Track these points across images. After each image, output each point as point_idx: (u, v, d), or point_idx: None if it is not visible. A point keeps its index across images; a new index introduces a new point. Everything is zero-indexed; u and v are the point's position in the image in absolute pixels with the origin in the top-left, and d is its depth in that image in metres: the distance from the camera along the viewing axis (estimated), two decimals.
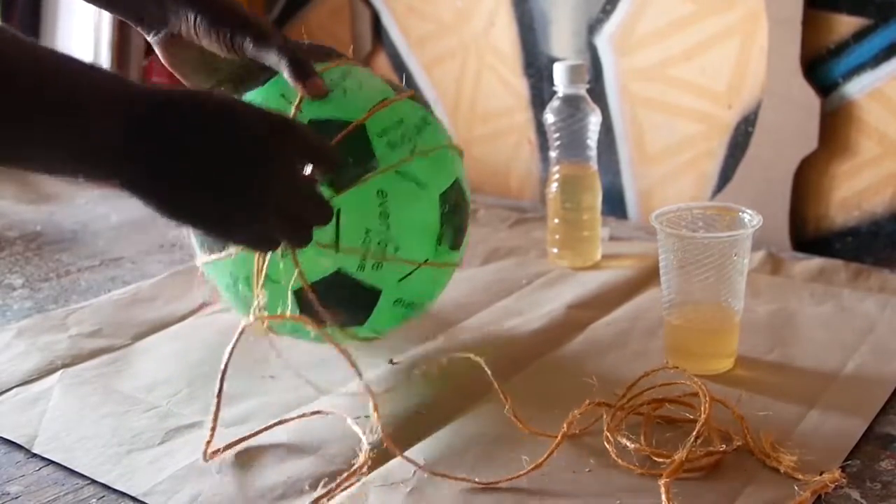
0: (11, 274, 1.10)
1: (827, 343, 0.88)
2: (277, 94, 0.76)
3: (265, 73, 0.77)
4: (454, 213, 0.80)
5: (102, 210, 1.32)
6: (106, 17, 1.44)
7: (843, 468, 0.68)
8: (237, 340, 0.73)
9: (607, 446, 0.71)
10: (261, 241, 0.67)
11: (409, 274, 0.77)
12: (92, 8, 0.99)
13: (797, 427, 0.74)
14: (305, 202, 0.68)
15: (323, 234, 0.73)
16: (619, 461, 0.70)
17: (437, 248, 0.79)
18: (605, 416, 0.74)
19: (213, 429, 0.72)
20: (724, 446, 0.70)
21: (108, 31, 1.44)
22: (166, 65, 0.80)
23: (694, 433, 0.69)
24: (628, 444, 0.71)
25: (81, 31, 1.47)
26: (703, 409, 0.71)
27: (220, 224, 0.64)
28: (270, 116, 0.66)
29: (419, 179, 0.77)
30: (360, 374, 0.72)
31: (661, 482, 0.66)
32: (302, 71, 0.74)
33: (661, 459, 0.69)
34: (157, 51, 0.78)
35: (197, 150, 0.61)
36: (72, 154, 0.57)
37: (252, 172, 0.63)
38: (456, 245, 0.82)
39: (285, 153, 0.65)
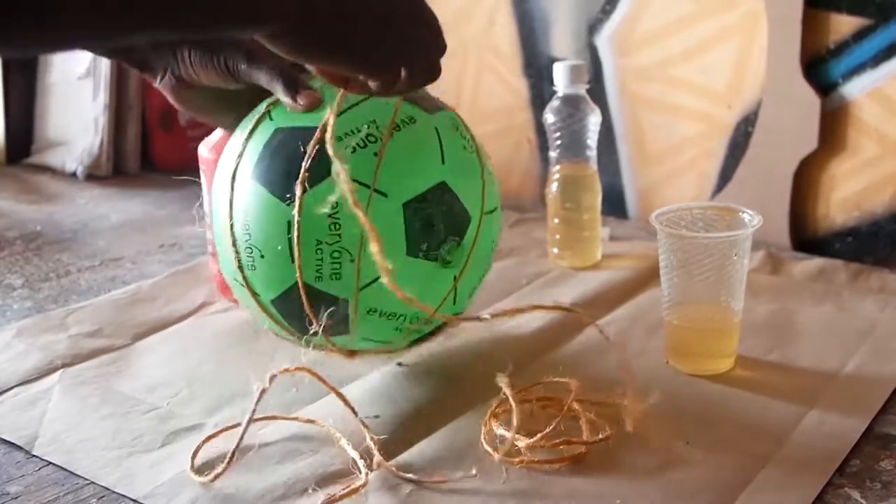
0: (11, 274, 1.10)
1: (827, 343, 0.88)
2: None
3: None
4: (427, 223, 0.75)
5: (102, 210, 1.32)
6: None
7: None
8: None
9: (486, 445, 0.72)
10: (396, 77, 0.67)
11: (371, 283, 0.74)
12: None
13: (797, 427, 0.74)
14: (437, 30, 0.69)
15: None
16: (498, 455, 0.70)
17: (406, 259, 0.74)
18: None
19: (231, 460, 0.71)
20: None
21: None
22: (181, 109, 0.79)
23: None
24: (505, 433, 0.71)
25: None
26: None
27: (378, 60, 0.65)
28: None
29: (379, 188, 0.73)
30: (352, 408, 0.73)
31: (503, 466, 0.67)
32: (293, 85, 0.73)
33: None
34: (169, 97, 0.77)
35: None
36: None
37: (413, 16, 0.65)
38: (433, 256, 0.75)
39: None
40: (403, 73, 0.66)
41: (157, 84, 0.76)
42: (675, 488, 0.67)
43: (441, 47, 0.69)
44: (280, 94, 0.73)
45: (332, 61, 0.65)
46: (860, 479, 0.68)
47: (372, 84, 0.67)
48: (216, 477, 0.69)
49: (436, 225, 0.75)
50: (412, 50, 0.66)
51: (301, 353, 0.76)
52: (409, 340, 0.80)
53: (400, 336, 0.78)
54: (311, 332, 0.74)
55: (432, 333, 0.82)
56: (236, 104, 0.79)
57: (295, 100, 0.73)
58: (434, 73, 0.68)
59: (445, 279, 0.77)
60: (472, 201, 0.78)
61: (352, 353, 0.79)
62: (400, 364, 0.85)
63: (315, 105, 0.73)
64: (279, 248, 0.73)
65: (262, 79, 0.73)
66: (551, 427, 0.70)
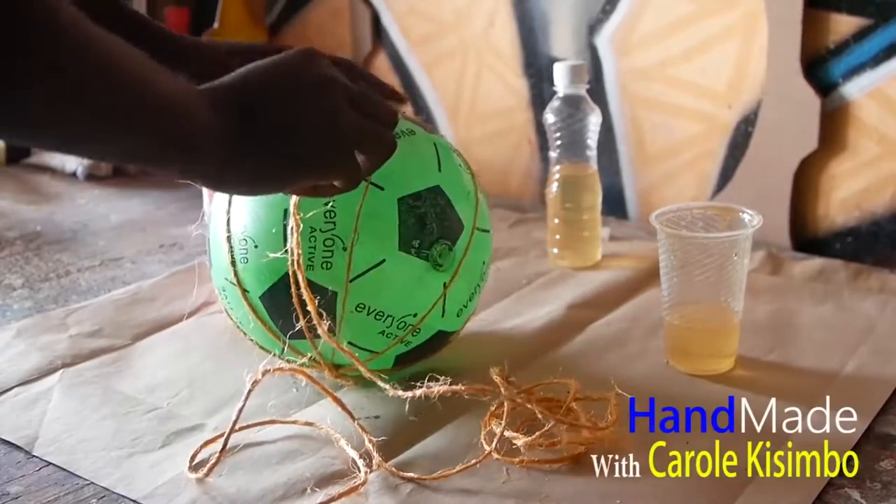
0: (11, 274, 1.10)
1: (827, 343, 0.88)
2: None
3: None
4: (420, 221, 0.75)
5: (102, 210, 1.32)
6: None
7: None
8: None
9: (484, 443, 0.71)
10: (354, 168, 0.66)
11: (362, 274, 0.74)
12: None
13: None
14: (371, 105, 0.67)
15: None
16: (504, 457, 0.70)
17: (397, 253, 0.75)
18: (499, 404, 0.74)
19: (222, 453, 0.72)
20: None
21: None
22: None
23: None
24: (506, 432, 0.71)
25: None
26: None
27: (322, 163, 0.64)
28: (308, 67, 0.65)
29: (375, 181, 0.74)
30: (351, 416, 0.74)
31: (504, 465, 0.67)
32: None
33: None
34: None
35: (280, 112, 0.61)
36: (170, 145, 0.56)
37: (324, 114, 0.63)
38: (424, 255, 0.76)
39: (337, 81, 0.64)
40: (361, 159, 0.65)
41: None
42: (675, 488, 0.67)
43: (385, 116, 0.67)
44: None
45: (279, 185, 0.65)
46: (860, 479, 0.68)
47: (337, 183, 0.66)
48: (209, 471, 0.69)
49: (428, 224, 0.76)
50: (354, 137, 0.64)
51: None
52: (395, 354, 0.79)
53: (385, 344, 0.77)
54: (297, 328, 0.74)
55: (417, 352, 0.80)
56: None
57: None
58: (389, 146, 0.67)
59: (435, 285, 0.77)
60: (465, 213, 0.79)
61: (336, 368, 0.79)
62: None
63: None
64: (273, 231, 0.74)
65: None
66: (550, 425, 0.70)
